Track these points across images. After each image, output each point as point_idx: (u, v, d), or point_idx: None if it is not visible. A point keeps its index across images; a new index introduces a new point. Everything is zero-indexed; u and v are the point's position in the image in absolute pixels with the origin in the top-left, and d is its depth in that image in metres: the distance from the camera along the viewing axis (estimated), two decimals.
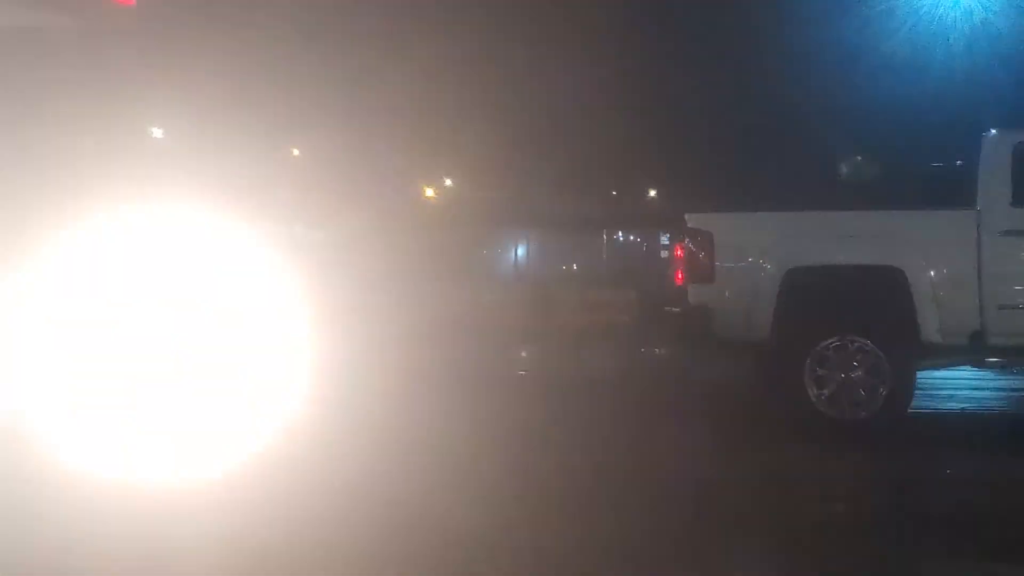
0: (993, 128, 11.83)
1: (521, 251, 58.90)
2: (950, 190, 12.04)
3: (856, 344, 11.39)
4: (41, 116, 10.96)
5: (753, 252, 11.79)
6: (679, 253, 11.94)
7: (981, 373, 13.28)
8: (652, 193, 63.35)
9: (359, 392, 13.18)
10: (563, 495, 9.41)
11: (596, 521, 8.50)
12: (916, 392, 11.73)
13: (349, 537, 7.62)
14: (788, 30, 32.67)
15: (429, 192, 66.79)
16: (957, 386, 14.75)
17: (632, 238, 56.38)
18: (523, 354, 24.75)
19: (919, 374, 11.72)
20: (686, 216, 11.99)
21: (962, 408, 14.04)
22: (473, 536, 7.89)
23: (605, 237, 57.17)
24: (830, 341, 11.43)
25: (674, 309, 12.09)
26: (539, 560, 7.47)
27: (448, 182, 67.93)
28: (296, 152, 64.03)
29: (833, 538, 8.14)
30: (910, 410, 11.63)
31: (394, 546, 7.47)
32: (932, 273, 11.42)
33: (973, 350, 11.56)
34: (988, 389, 14.99)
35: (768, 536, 8.27)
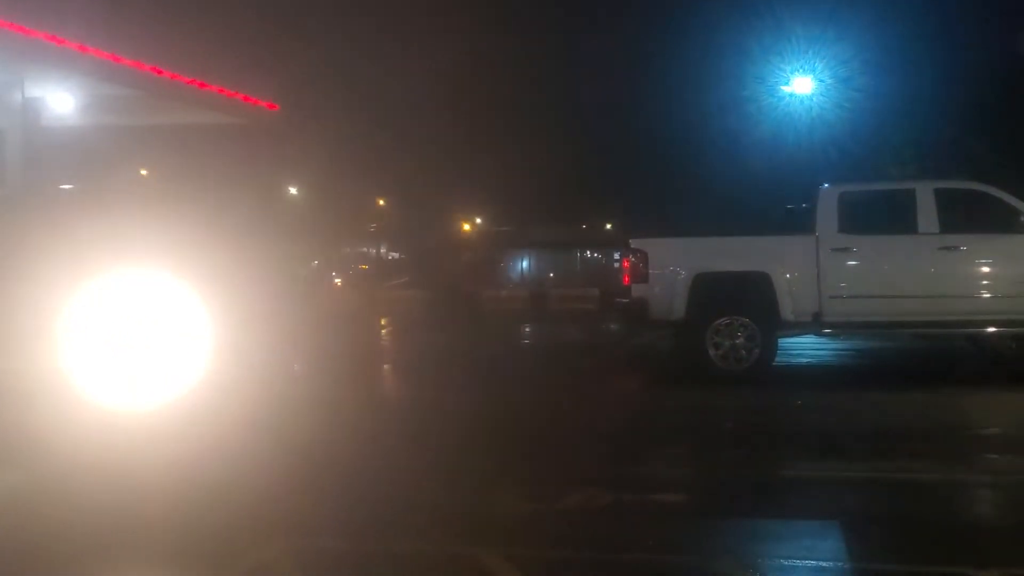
0: (826, 183, 11.84)
1: (524, 264, 58.12)
2: (799, 222, 11.98)
3: (739, 321, 11.38)
4: (214, 182, 11.12)
5: (673, 263, 11.69)
6: (626, 264, 11.82)
7: (819, 339, 13.06)
8: (608, 226, 66.49)
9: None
10: (534, 424, 9.43)
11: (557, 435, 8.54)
12: (778, 352, 11.72)
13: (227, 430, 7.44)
14: (696, 121, 33.79)
15: (465, 226, 69.25)
16: (804, 348, 14.68)
17: (595, 254, 56.82)
18: (526, 329, 24.84)
19: (780, 341, 11.71)
20: (630, 240, 11.92)
21: (807, 362, 14.06)
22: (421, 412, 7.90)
23: (578, 254, 57.29)
24: (723, 319, 11.42)
25: (623, 300, 11.94)
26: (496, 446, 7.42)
27: (477, 220, 69.80)
28: (381, 202, 66.57)
29: (721, 445, 8.18)
30: (774, 364, 11.65)
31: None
32: (788, 276, 11.43)
33: (814, 325, 11.54)
34: (824, 350, 14.87)
35: (677, 444, 8.37)
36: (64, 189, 9.54)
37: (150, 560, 4.98)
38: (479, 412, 9.62)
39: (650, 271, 11.50)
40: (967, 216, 11.07)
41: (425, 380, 12.88)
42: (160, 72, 8.43)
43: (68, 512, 5.75)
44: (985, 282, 11.07)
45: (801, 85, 25.49)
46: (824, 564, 4.70)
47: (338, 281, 49.32)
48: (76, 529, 5.44)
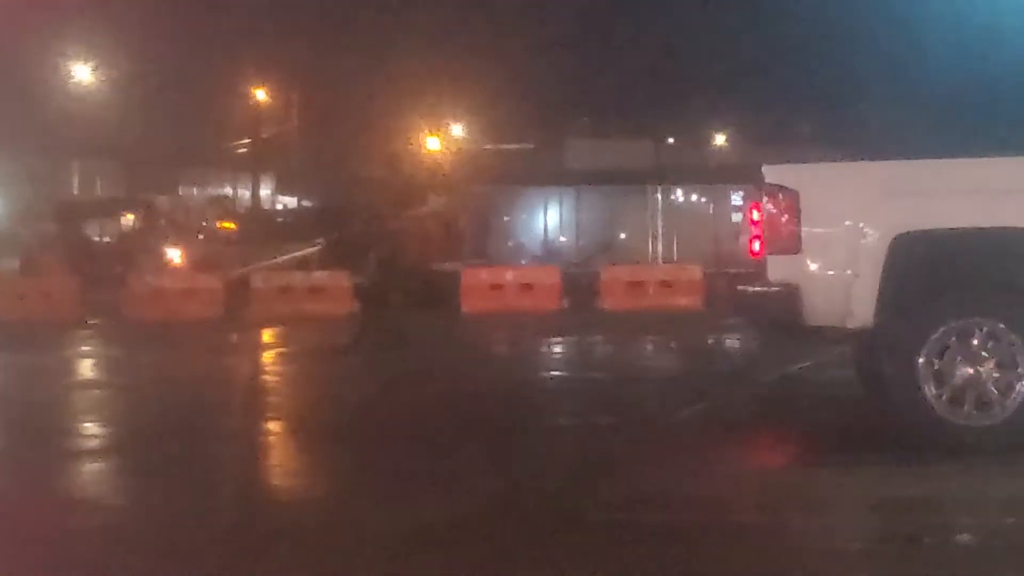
0: None
1: (553, 217, 46.11)
2: None
3: (984, 330, 9.17)
4: None
5: (851, 213, 9.40)
6: (756, 215, 9.77)
7: None
8: (720, 140, 51.72)
9: None
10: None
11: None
12: None
13: None
14: None
15: (433, 144, 55.07)
16: None
17: (694, 197, 45.30)
18: (557, 348, 21.32)
19: None
20: (765, 170, 9.71)
21: None
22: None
23: (659, 197, 44.63)
24: (951, 326, 9.17)
25: (750, 288, 9.89)
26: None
27: (456, 131, 57.10)
28: (262, 94, 50.56)
29: None
30: None
31: None
32: None
33: None
34: None
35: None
36: None
37: None
38: (480, 525, 7.63)
39: (804, 230, 9.40)
40: None
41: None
42: None
43: None
44: None
45: None
46: None
47: (174, 255, 39.09)
48: None
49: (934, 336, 9.46)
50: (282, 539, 7.81)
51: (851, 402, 11.89)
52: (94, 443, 12.03)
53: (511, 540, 7.67)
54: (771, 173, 9.97)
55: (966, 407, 9.49)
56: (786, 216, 9.84)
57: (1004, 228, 9.74)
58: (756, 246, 10.18)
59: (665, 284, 26.42)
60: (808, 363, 14.51)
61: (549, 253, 40.47)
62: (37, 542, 7.86)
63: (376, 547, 7.45)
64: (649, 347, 20.71)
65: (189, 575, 6.98)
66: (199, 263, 34.57)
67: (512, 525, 8.10)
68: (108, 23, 45.27)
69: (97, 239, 38.85)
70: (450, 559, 7.20)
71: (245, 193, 54.68)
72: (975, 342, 9.54)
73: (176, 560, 7.34)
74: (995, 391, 9.45)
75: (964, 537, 7.69)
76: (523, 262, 36.58)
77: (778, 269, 9.91)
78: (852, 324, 9.87)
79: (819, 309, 9.88)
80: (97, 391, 16.85)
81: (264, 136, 53.03)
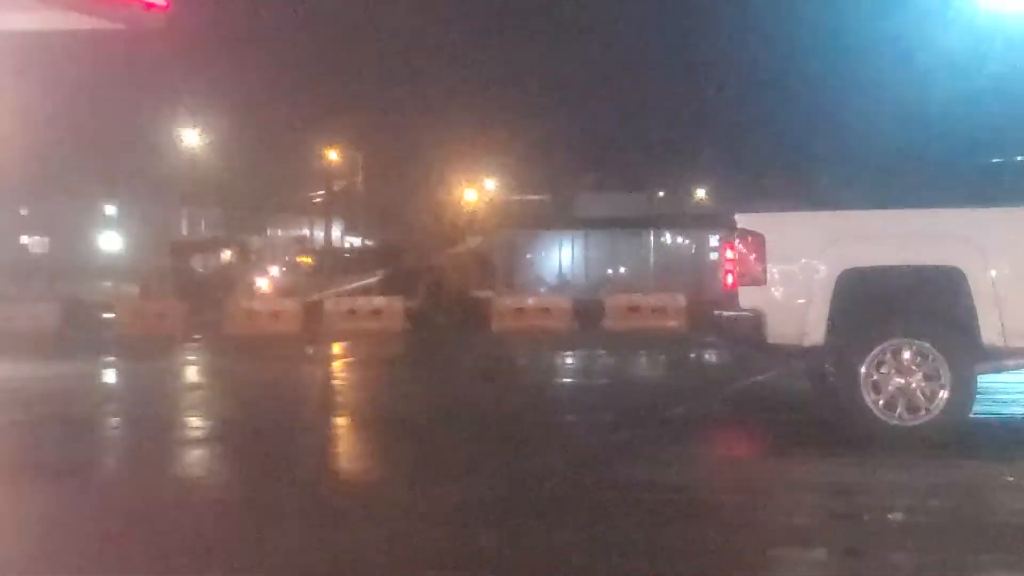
0: None
1: (566, 255, 54.86)
2: (1013, 186, 11.09)
3: (914, 348, 10.51)
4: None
5: (806, 252, 10.85)
6: (729, 254, 11.14)
7: None
8: (700, 194, 61.57)
9: None
10: (591, 512, 8.74)
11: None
12: (976, 397, 10.78)
13: None
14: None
15: (470, 196, 65.00)
16: (1021, 391, 13.69)
17: (680, 239, 52.94)
18: (568, 361, 23.66)
19: (980, 379, 10.77)
20: (737, 217, 11.13)
21: None
22: None
23: (652, 239, 53.24)
24: (887, 344, 10.56)
25: (725, 314, 11.25)
26: None
27: (488, 185, 66.86)
28: (334, 155, 63.48)
29: (883, 545, 7.63)
30: (971, 415, 10.76)
31: None
32: (994, 273, 10.55)
33: None
34: None
35: (812, 542, 7.81)
36: None
37: None
38: (508, 499, 9.09)
39: (769, 266, 10.77)
40: None
41: (409, 449, 12.12)
42: None
43: None
44: None
45: None
46: None
47: (263, 283, 46.30)
48: None
49: (873, 353, 10.42)
50: (348, 512, 8.78)
51: (805, 406, 12.76)
52: (198, 433, 13.50)
53: (527, 515, 8.52)
54: (742, 220, 10.98)
55: (899, 410, 10.39)
56: (754, 255, 10.75)
57: (924, 266, 10.60)
58: (729, 279, 11.08)
59: (657, 310, 30.95)
60: (771, 374, 15.48)
61: (562, 284, 47.13)
62: (154, 508, 8.85)
63: (418, 520, 8.28)
64: (643, 360, 23.19)
65: (274, 536, 7.90)
66: (282, 290, 40.05)
67: (528, 502, 8.99)
68: (211, 95, 55.78)
69: (201, 270, 44.98)
70: (474, 531, 8.00)
71: (319, 234, 65.96)
72: (906, 357, 10.43)
73: (264, 525, 8.21)
74: (922, 397, 10.35)
75: (896, 515, 8.43)
76: (541, 291, 41.96)
77: (747, 298, 10.85)
78: (807, 343, 10.73)
79: (780, 331, 10.79)
80: (201, 392, 19.23)
81: (335, 188, 64.75)
